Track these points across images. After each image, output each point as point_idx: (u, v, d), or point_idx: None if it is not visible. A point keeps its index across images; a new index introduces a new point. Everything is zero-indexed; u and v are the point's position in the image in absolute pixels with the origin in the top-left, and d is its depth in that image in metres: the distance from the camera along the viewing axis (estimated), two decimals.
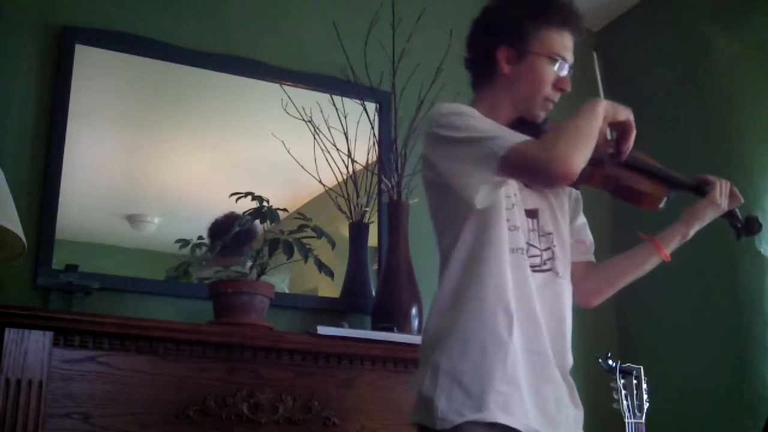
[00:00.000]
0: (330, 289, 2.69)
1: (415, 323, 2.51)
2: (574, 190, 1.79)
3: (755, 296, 2.77)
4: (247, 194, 2.39)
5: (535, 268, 1.61)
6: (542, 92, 1.66)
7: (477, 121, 1.56)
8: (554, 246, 1.66)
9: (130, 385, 2.10)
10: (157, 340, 2.15)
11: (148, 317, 2.25)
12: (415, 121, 2.71)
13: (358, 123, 2.80)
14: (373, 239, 2.80)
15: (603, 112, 1.54)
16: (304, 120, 2.75)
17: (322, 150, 2.75)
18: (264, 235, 2.41)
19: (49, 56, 2.53)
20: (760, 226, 1.76)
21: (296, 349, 2.30)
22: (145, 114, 2.69)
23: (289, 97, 2.77)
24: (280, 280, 2.65)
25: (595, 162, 1.58)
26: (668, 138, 3.12)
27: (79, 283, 2.25)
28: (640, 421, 2.11)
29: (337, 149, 2.77)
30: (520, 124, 1.68)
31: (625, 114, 1.58)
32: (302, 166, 2.71)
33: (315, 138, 2.75)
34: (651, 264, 1.77)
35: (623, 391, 2.13)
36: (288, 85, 2.82)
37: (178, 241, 2.57)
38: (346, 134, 2.78)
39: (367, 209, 2.76)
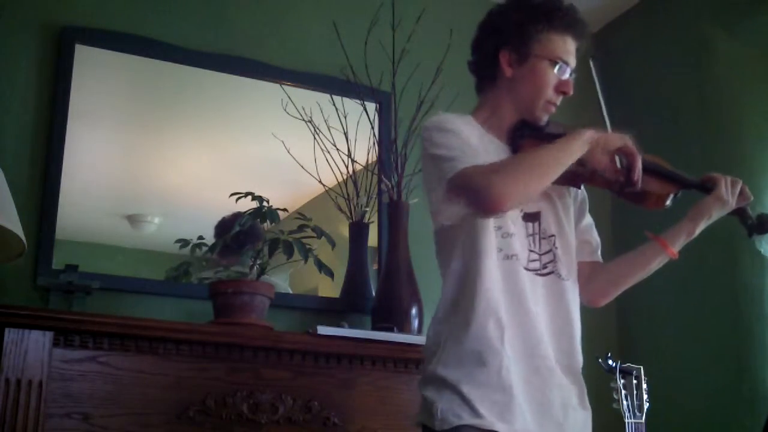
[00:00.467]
0: (330, 289, 2.69)
1: (415, 323, 2.51)
2: (580, 191, 1.80)
3: (755, 296, 2.77)
4: (247, 194, 2.39)
5: (536, 272, 1.62)
6: (544, 95, 1.67)
7: (452, 138, 1.58)
8: (556, 248, 1.67)
9: (130, 385, 2.10)
10: (157, 340, 2.15)
11: (148, 317, 2.25)
12: (415, 121, 2.71)
13: (358, 123, 2.80)
14: (373, 239, 2.80)
15: (584, 142, 1.54)
16: (304, 120, 2.75)
17: (322, 150, 2.75)
18: (264, 235, 2.40)
19: (49, 56, 2.53)
20: None
21: (296, 349, 2.30)
22: (145, 114, 2.69)
23: (289, 97, 2.77)
24: (283, 279, 2.65)
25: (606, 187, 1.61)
26: (668, 138, 3.11)
27: (79, 283, 2.25)
28: (640, 421, 2.11)
29: (337, 149, 2.77)
30: (523, 126, 1.69)
31: (620, 141, 1.57)
32: (302, 166, 2.71)
33: (315, 138, 2.75)
34: (658, 262, 1.76)
35: (623, 391, 2.13)
36: (288, 85, 2.82)
37: (178, 241, 2.57)
38: (346, 134, 2.78)
39: (367, 209, 2.76)
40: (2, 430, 1.92)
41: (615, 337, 3.25)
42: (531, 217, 1.66)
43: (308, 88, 2.85)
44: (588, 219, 1.83)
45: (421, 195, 2.01)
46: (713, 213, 1.71)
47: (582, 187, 1.79)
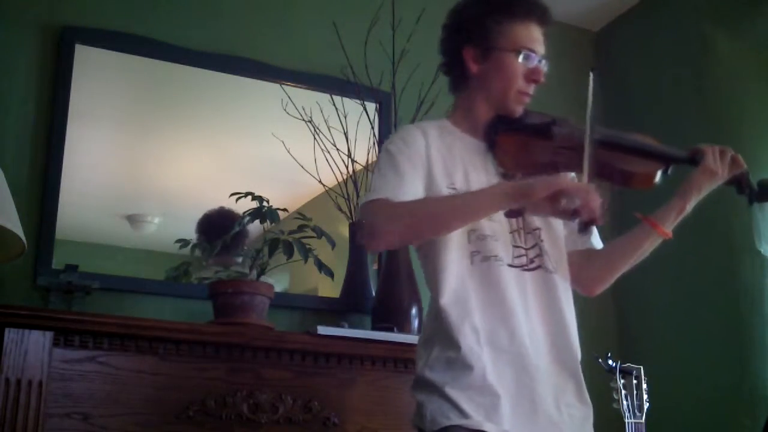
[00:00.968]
0: (330, 289, 2.68)
1: (415, 323, 2.51)
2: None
3: (755, 296, 2.76)
4: (247, 194, 2.39)
5: (523, 268, 1.61)
6: (514, 87, 1.65)
7: (388, 163, 1.59)
8: (542, 241, 1.64)
9: (130, 385, 2.10)
10: (157, 340, 2.15)
11: (148, 317, 2.25)
12: (414, 121, 2.71)
13: (358, 123, 2.80)
14: None
15: (499, 197, 1.46)
16: (304, 120, 2.75)
17: (322, 150, 2.75)
18: (264, 235, 2.40)
19: (49, 56, 2.53)
20: None
21: (296, 349, 2.30)
22: (145, 114, 2.69)
23: (289, 97, 2.77)
24: (278, 279, 2.65)
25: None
26: (668, 138, 3.11)
27: (79, 283, 2.25)
28: (640, 421, 2.11)
29: (337, 149, 2.77)
30: (497, 121, 1.67)
31: (544, 189, 1.41)
32: (302, 166, 2.71)
33: (315, 138, 2.75)
34: (650, 243, 1.71)
35: (623, 391, 2.13)
36: (288, 85, 2.82)
37: (178, 241, 2.57)
38: (346, 134, 2.78)
39: None
40: (2, 430, 1.92)
41: (615, 337, 3.25)
42: (514, 213, 1.61)
43: (308, 88, 2.85)
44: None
45: None
46: (703, 186, 1.65)
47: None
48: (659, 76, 3.24)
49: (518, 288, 1.58)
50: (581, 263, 1.74)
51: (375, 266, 2.80)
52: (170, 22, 2.74)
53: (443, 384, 1.51)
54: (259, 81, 2.81)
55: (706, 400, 2.82)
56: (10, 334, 1.97)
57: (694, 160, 1.66)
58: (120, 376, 2.10)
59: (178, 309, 2.48)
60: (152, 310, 2.43)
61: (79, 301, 2.25)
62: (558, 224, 1.70)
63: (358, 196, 2.76)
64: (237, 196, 2.39)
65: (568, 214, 1.42)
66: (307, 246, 2.37)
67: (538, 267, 1.63)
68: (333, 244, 2.46)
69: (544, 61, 1.68)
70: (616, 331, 3.26)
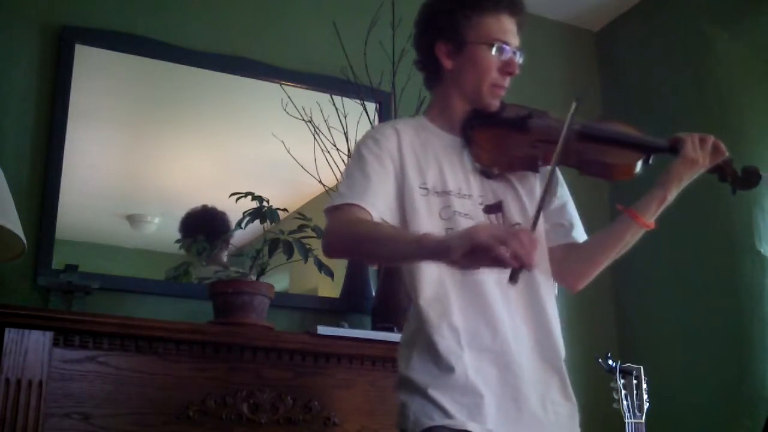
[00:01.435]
0: (330, 289, 2.69)
1: None
2: (548, 170, 1.65)
3: (755, 296, 2.77)
4: (247, 194, 2.39)
5: None
6: (487, 80, 1.63)
7: (358, 165, 1.59)
8: None
9: (130, 385, 2.10)
10: (157, 340, 2.15)
11: (148, 317, 2.25)
12: None
13: (358, 123, 2.79)
14: None
15: (421, 250, 1.39)
16: (304, 120, 2.75)
17: (322, 150, 2.75)
18: (264, 235, 2.41)
19: (49, 56, 2.53)
20: (759, 177, 1.65)
21: (296, 349, 2.30)
22: (145, 114, 2.70)
23: (289, 97, 2.77)
24: (278, 279, 2.65)
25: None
26: (668, 138, 3.12)
27: (79, 283, 2.25)
28: (640, 421, 2.10)
29: (337, 149, 2.77)
30: (473, 116, 1.65)
31: (464, 243, 1.28)
32: (302, 166, 2.71)
33: (315, 138, 2.75)
34: (632, 235, 1.66)
35: (623, 391, 2.13)
36: (288, 85, 2.82)
37: (178, 241, 2.57)
38: (346, 134, 2.78)
39: None
40: (2, 430, 1.92)
41: (615, 337, 3.25)
42: (493, 209, 1.61)
43: (308, 88, 2.85)
44: (560, 199, 1.74)
45: None
46: (684, 175, 1.62)
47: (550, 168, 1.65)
48: (659, 76, 3.25)
49: (499, 285, 1.55)
50: (564, 258, 1.71)
51: (375, 266, 2.80)
52: (170, 22, 2.74)
53: (425, 385, 1.49)
54: (259, 81, 2.82)
55: (706, 400, 2.82)
56: (10, 334, 1.97)
57: (674, 149, 1.63)
58: (120, 376, 2.10)
59: (178, 309, 2.48)
60: (152, 310, 2.43)
61: (79, 301, 2.25)
62: (539, 220, 1.67)
63: None
64: (237, 196, 2.39)
65: (502, 265, 1.28)
66: (307, 246, 2.37)
67: None
68: None
69: (519, 53, 1.66)
70: (616, 331, 3.26)
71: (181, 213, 2.67)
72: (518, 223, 1.62)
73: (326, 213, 1.57)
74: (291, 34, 2.93)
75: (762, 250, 2.80)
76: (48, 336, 2.02)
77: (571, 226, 1.74)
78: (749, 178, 1.65)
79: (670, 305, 3.05)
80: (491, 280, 1.54)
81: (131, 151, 2.66)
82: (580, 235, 1.75)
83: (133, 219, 2.63)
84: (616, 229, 1.68)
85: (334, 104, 2.80)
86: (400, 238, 1.49)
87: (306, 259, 2.37)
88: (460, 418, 1.45)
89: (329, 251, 1.57)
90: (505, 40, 1.63)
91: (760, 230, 2.82)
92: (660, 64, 3.25)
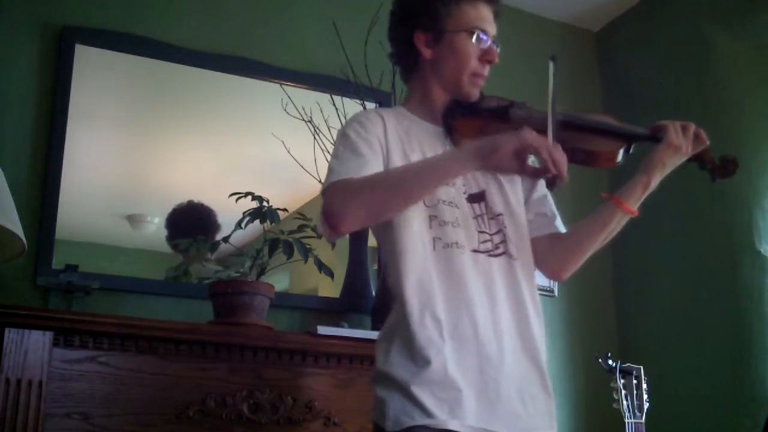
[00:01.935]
0: (330, 289, 2.69)
1: None
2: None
3: (755, 296, 2.77)
4: (247, 194, 2.39)
5: (489, 253, 1.57)
6: (468, 68, 1.62)
7: (347, 147, 1.55)
8: (505, 227, 1.61)
9: (130, 385, 2.10)
10: (157, 340, 2.15)
11: (148, 317, 2.25)
12: None
13: None
14: (372, 239, 2.79)
15: (464, 160, 1.45)
16: (304, 120, 2.75)
17: (322, 150, 2.75)
18: (264, 235, 2.41)
19: (49, 56, 2.53)
20: (736, 165, 1.67)
21: (296, 349, 2.30)
22: (145, 114, 2.70)
23: (289, 97, 2.77)
24: (278, 279, 2.65)
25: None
26: None
27: (79, 283, 2.25)
28: (640, 421, 2.11)
29: None
30: (454, 106, 1.65)
31: (513, 142, 1.40)
32: (302, 166, 2.71)
33: (315, 138, 2.75)
34: (616, 222, 1.66)
35: (623, 391, 2.13)
36: (288, 85, 2.83)
37: (177, 241, 2.57)
38: None
39: None
40: (2, 430, 1.92)
41: (615, 337, 3.25)
42: (476, 198, 1.61)
43: (308, 88, 2.86)
44: (541, 191, 1.74)
45: None
46: (666, 161, 1.62)
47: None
48: (659, 76, 3.25)
49: (483, 275, 1.54)
50: (550, 248, 1.71)
51: (375, 266, 2.80)
52: (170, 22, 2.74)
53: (405, 381, 1.46)
54: (259, 81, 2.82)
55: (706, 400, 2.82)
56: (10, 334, 1.97)
57: (656, 137, 1.65)
58: (120, 376, 2.10)
59: (178, 309, 2.48)
60: (152, 310, 2.43)
61: (79, 301, 2.25)
62: (520, 210, 1.67)
63: None
64: (237, 196, 2.39)
65: (535, 172, 1.41)
66: (307, 246, 2.38)
67: (503, 253, 1.59)
68: (333, 244, 2.46)
69: (496, 43, 1.65)
70: (616, 331, 3.26)
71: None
72: (501, 213, 1.61)
73: (324, 193, 1.51)
74: (291, 34, 2.94)
75: (762, 250, 2.80)
76: (48, 336, 2.02)
77: (553, 216, 1.74)
78: (727, 166, 1.68)
79: (670, 305, 3.05)
80: (474, 268, 1.53)
81: (131, 151, 2.66)
82: (561, 225, 1.76)
83: (133, 219, 2.63)
84: (601, 217, 1.67)
85: (334, 104, 2.80)
86: (435, 159, 1.50)
87: (306, 259, 2.37)
88: (441, 416, 1.43)
89: (341, 221, 1.45)
90: (484, 28, 1.63)
91: (760, 230, 2.83)
92: (660, 64, 3.25)
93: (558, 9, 3.40)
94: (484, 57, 1.63)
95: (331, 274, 2.46)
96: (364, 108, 2.77)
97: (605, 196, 1.68)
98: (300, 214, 2.46)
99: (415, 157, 1.58)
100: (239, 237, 2.42)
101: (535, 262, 1.68)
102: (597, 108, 3.49)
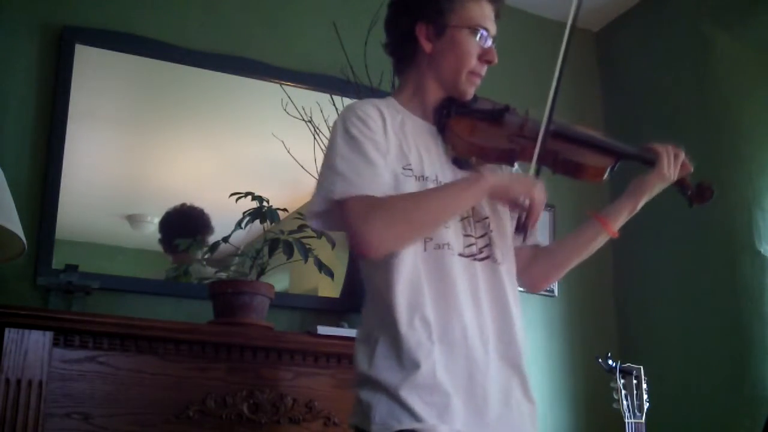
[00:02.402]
0: (330, 289, 2.69)
1: None
2: (514, 169, 1.71)
3: (755, 296, 2.77)
4: (247, 194, 2.39)
5: (473, 257, 1.55)
6: (467, 66, 1.61)
7: (355, 151, 1.50)
8: (491, 231, 1.60)
9: (130, 385, 2.10)
10: (157, 340, 2.15)
11: (148, 317, 2.25)
12: None
13: None
14: None
15: (482, 192, 1.50)
16: (304, 120, 2.75)
17: (322, 150, 2.75)
18: (264, 235, 2.41)
19: (49, 56, 2.53)
20: (712, 192, 1.69)
21: (296, 349, 2.30)
22: (145, 114, 2.70)
23: (289, 97, 2.77)
24: (278, 279, 2.65)
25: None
26: (668, 138, 3.10)
27: (79, 283, 2.25)
28: (640, 421, 2.11)
29: None
30: (449, 103, 1.63)
31: (524, 191, 1.51)
32: (302, 166, 2.71)
33: (315, 138, 2.75)
34: (599, 242, 1.69)
35: (623, 391, 2.13)
36: (288, 85, 2.83)
37: (177, 241, 2.57)
38: None
39: None
40: (2, 430, 1.92)
41: (615, 337, 3.25)
42: None
43: (308, 88, 2.85)
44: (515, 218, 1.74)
45: None
46: (655, 188, 1.66)
47: (516, 165, 1.70)
48: (659, 76, 3.25)
49: (468, 279, 1.53)
50: (530, 259, 1.72)
51: None
52: (170, 22, 2.74)
53: (394, 385, 1.43)
54: (259, 81, 2.82)
55: (706, 400, 2.82)
56: (10, 334, 1.97)
57: (647, 159, 1.67)
58: (120, 376, 2.10)
59: (178, 309, 2.48)
60: (152, 310, 2.43)
61: (79, 301, 2.25)
62: (506, 217, 1.66)
63: None
64: (237, 196, 2.39)
65: (518, 208, 1.53)
66: (307, 246, 2.38)
67: (487, 257, 1.57)
68: (333, 244, 2.46)
69: (495, 43, 1.64)
70: (616, 331, 3.26)
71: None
72: (487, 217, 1.61)
73: (342, 206, 1.47)
74: (291, 34, 2.94)
75: (762, 250, 2.80)
76: (48, 336, 2.02)
77: (536, 229, 1.73)
78: (704, 193, 1.70)
79: (670, 305, 3.05)
80: (461, 271, 1.52)
81: (131, 151, 2.66)
82: (541, 238, 1.79)
83: (133, 219, 2.63)
84: (585, 235, 1.70)
85: (334, 104, 2.80)
86: (455, 190, 1.52)
87: (306, 259, 2.37)
88: (429, 420, 1.41)
89: (379, 248, 1.44)
90: (486, 27, 1.62)
91: (760, 230, 2.83)
92: (660, 64, 3.25)
93: (558, 9, 3.40)
94: (484, 57, 1.62)
95: (331, 274, 2.46)
96: None
97: (591, 215, 1.70)
98: (300, 214, 2.46)
99: (413, 155, 1.57)
100: (239, 237, 2.42)
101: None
102: (597, 108, 3.49)
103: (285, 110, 2.74)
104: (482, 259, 1.57)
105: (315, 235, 2.39)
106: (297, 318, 2.66)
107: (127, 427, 2.07)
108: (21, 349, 1.98)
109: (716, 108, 2.99)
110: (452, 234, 1.54)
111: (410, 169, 1.55)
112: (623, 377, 2.15)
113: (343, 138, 1.53)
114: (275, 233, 2.36)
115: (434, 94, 1.64)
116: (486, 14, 1.62)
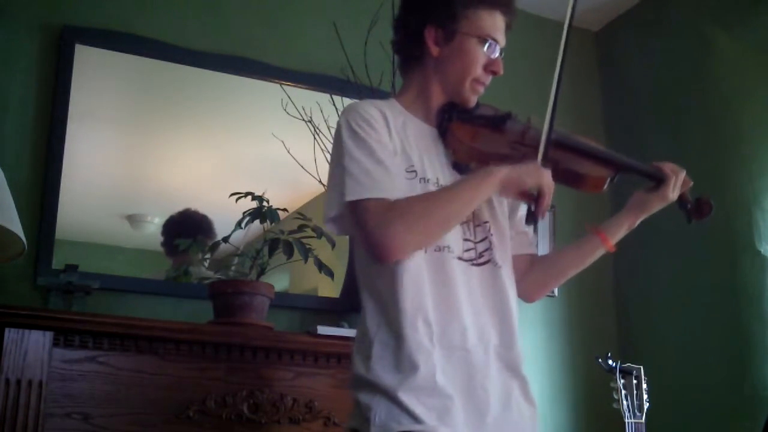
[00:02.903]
0: (330, 289, 2.69)
1: None
2: None
3: (755, 296, 2.77)
4: (247, 194, 2.39)
5: (472, 262, 1.55)
6: (472, 74, 1.61)
7: (366, 153, 1.50)
8: (491, 235, 1.60)
9: (130, 385, 2.10)
10: (157, 340, 2.15)
11: (148, 317, 2.25)
12: None
13: None
14: None
15: (494, 185, 1.49)
16: (304, 120, 2.75)
17: (322, 150, 2.75)
18: (264, 235, 2.41)
19: (49, 56, 2.53)
20: (711, 208, 1.69)
21: (296, 349, 2.30)
22: (145, 114, 2.70)
23: (289, 97, 2.77)
24: (278, 279, 2.65)
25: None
26: (668, 138, 3.12)
27: (79, 283, 2.25)
28: (640, 421, 2.11)
29: None
30: (451, 108, 1.64)
31: (533, 182, 1.50)
32: (302, 166, 2.71)
33: (315, 138, 2.75)
34: (596, 256, 1.71)
35: (623, 391, 2.13)
36: (288, 85, 2.83)
37: (178, 241, 2.57)
38: None
39: None
40: (2, 430, 1.92)
41: (615, 337, 3.25)
42: None
43: (308, 88, 2.86)
44: (523, 211, 1.72)
45: None
46: (655, 207, 1.68)
47: None
48: (659, 77, 3.25)
49: (465, 284, 1.53)
50: (527, 268, 1.72)
51: None
52: (170, 22, 2.74)
53: (392, 387, 1.43)
54: (259, 81, 2.82)
55: (706, 399, 2.82)
56: (10, 334, 1.98)
57: (651, 175, 1.67)
58: (120, 376, 2.10)
59: (178, 309, 2.48)
60: (152, 310, 2.43)
61: (79, 301, 2.25)
62: (505, 222, 1.67)
63: None
64: (237, 196, 2.39)
65: (527, 198, 1.51)
66: (307, 246, 2.38)
67: (488, 261, 1.57)
68: (333, 244, 2.46)
69: (503, 54, 1.64)
70: (616, 331, 3.26)
71: None
72: (486, 221, 1.61)
73: (358, 209, 1.46)
74: (291, 34, 2.94)
75: (762, 250, 2.80)
76: (48, 336, 2.02)
77: (533, 237, 1.77)
78: (702, 209, 1.71)
79: (670, 305, 3.05)
80: (460, 275, 1.52)
81: (131, 151, 2.66)
82: (542, 241, 1.78)
83: (133, 219, 2.63)
84: (584, 249, 1.72)
85: (334, 104, 2.80)
86: (468, 186, 1.51)
87: (306, 259, 2.37)
88: (429, 422, 1.41)
89: (402, 251, 1.44)
90: (496, 38, 1.62)
91: (760, 230, 2.83)
92: (660, 64, 3.25)
93: (558, 9, 3.38)
94: (490, 67, 1.62)
95: (331, 274, 2.46)
96: None
97: (591, 229, 1.71)
98: (300, 214, 2.46)
99: (415, 157, 1.57)
100: (239, 237, 2.42)
101: None
102: (597, 108, 3.49)
103: (285, 110, 2.75)
104: (482, 264, 1.57)
105: (315, 235, 2.39)
106: (297, 318, 2.66)
107: (127, 427, 2.07)
108: (21, 349, 1.98)
109: (716, 108, 2.99)
110: (453, 237, 1.54)
111: (414, 171, 1.55)
112: (623, 377, 2.15)
113: (351, 139, 1.52)
114: (275, 233, 2.36)
115: (437, 97, 1.65)
116: (497, 25, 1.62)
